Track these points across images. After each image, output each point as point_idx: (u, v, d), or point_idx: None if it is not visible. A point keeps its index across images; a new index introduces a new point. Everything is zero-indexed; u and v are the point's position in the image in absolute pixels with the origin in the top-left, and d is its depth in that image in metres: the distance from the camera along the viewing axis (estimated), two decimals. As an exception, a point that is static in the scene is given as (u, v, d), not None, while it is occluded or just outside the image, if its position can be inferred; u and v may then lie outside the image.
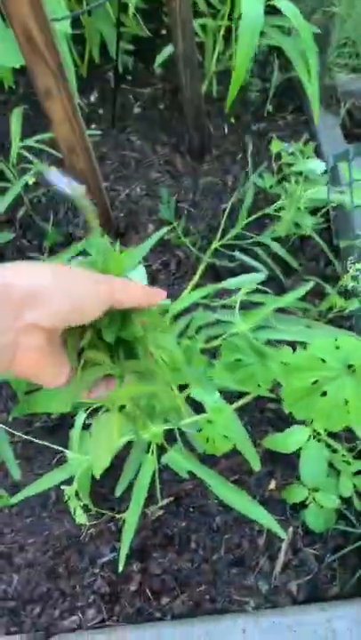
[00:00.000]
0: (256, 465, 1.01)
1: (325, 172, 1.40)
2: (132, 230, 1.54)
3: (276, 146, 1.42)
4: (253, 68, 1.78)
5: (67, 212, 1.56)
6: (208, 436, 0.83)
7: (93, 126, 1.75)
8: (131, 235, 1.52)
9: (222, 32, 1.62)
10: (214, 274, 1.46)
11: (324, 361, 0.66)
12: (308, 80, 1.27)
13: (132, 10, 1.63)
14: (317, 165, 1.38)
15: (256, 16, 1.22)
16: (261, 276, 1.12)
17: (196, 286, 1.33)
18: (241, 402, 1.08)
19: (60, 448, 0.86)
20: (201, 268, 1.38)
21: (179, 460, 0.98)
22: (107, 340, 0.47)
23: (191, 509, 1.20)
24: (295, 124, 1.72)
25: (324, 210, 1.43)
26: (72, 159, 1.24)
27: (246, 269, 1.38)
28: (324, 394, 0.66)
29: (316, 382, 0.66)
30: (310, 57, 1.27)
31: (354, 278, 0.88)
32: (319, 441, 1.03)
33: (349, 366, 0.65)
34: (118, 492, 1.11)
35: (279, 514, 1.20)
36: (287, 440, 1.01)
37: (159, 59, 1.65)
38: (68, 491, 0.86)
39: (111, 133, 1.73)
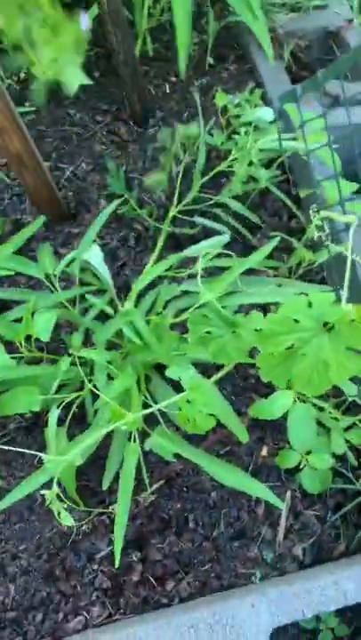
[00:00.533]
0: (244, 437, 0.97)
1: (275, 119, 1.33)
2: (84, 209, 1.45)
3: (221, 99, 1.34)
4: (188, 19, 1.68)
5: (11, 198, 1.47)
6: (189, 416, 0.78)
7: (27, 104, 1.64)
8: (83, 214, 1.44)
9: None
10: (176, 243, 1.39)
11: (297, 322, 0.60)
12: (254, 18, 1.17)
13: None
14: (266, 113, 1.31)
15: None
16: (224, 238, 1.06)
17: (159, 259, 1.26)
18: (220, 373, 1.03)
19: (33, 452, 0.80)
20: (161, 238, 1.31)
21: (163, 443, 0.93)
22: None
23: (184, 489, 1.16)
24: (239, 73, 1.63)
25: (279, 160, 1.36)
26: (5, 142, 1.14)
27: (209, 234, 1.32)
28: (302, 357, 0.60)
29: (291, 346, 0.61)
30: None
31: (319, 228, 0.82)
32: (304, 402, 0.98)
33: (325, 324, 0.60)
34: (105, 485, 1.06)
35: (275, 479, 1.16)
36: (272, 406, 0.96)
37: (85, 21, 1.53)
38: (49, 495, 0.81)
39: (47, 109, 1.63)
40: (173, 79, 1.65)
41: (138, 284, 1.09)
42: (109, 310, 1.08)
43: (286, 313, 0.61)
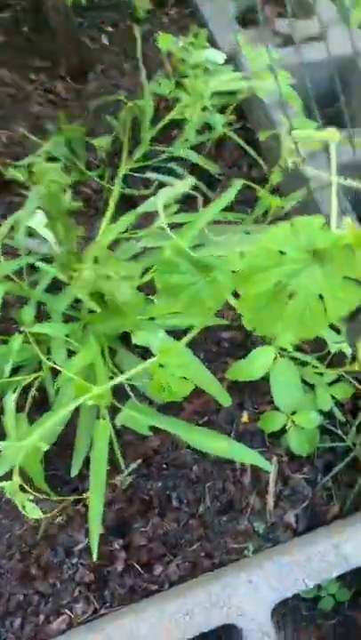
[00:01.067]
0: (226, 400, 0.89)
1: (227, 61, 1.22)
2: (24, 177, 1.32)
3: (164, 41, 1.22)
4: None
5: None
6: (162, 383, 0.68)
7: None
8: (19, 183, 1.31)
9: None
10: (131, 205, 1.28)
11: (283, 254, 0.51)
12: None
13: None
14: (216, 54, 1.20)
15: None
16: (184, 184, 0.95)
17: (113, 222, 1.15)
18: (193, 332, 0.93)
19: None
20: (113, 199, 1.20)
21: (136, 417, 0.84)
22: None
23: (164, 466, 1.07)
24: (180, 18, 1.51)
25: (232, 106, 1.26)
26: None
27: (157, 188, 1.22)
28: (292, 294, 0.51)
29: (278, 284, 0.51)
30: None
31: (291, 152, 0.72)
32: (284, 358, 0.90)
33: (315, 252, 0.51)
34: (74, 472, 0.96)
35: (259, 445, 1.09)
36: (252, 366, 0.88)
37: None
38: (8, 487, 0.70)
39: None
40: (110, 29, 1.52)
41: (94, 248, 0.98)
42: (62, 278, 0.96)
43: (268, 245, 0.51)
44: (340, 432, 1.03)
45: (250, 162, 1.30)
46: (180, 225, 1.11)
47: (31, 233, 1.04)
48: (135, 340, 0.80)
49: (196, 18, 1.49)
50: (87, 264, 0.89)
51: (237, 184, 0.92)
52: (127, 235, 1.11)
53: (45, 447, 0.80)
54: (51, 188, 0.82)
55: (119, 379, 0.74)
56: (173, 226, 1.13)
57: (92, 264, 0.88)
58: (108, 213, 1.16)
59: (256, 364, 0.88)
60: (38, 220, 0.98)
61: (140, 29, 1.43)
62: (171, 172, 1.23)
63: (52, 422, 0.74)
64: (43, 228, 0.97)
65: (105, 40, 1.50)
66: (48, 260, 1.07)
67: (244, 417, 1.11)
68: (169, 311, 0.73)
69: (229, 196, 0.91)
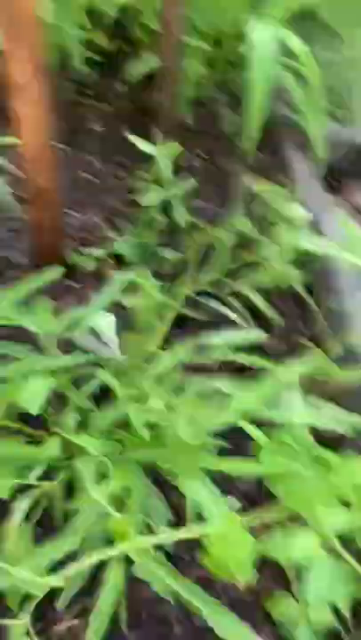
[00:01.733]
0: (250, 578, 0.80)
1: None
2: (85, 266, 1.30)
3: (260, 186, 1.27)
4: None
5: (9, 232, 1.30)
6: (220, 559, 0.61)
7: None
8: (82, 270, 1.28)
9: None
10: (183, 324, 1.25)
11: None
12: (314, 117, 1.15)
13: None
14: (303, 212, 1.24)
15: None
16: (257, 332, 0.93)
17: (165, 340, 1.12)
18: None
19: None
20: (170, 317, 1.17)
21: (157, 573, 0.74)
22: None
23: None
24: (268, 165, 1.58)
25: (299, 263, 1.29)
26: (34, 171, 1.00)
27: (214, 317, 1.21)
28: None
29: None
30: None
31: None
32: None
33: None
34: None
35: (247, 618, 0.98)
36: (288, 546, 0.80)
37: (134, 72, 1.45)
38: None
39: (66, 151, 1.50)
40: (204, 156, 1.58)
41: (156, 366, 0.93)
42: (116, 391, 0.90)
43: None
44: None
45: (301, 315, 1.31)
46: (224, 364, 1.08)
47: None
48: (185, 491, 0.73)
49: (285, 171, 1.56)
50: (149, 387, 0.84)
51: (314, 356, 0.90)
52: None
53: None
54: (148, 303, 0.79)
55: (162, 539, 0.66)
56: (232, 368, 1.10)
57: (156, 387, 0.83)
58: (162, 331, 1.13)
59: (295, 546, 0.81)
60: (107, 324, 0.94)
61: (236, 167, 1.49)
62: (230, 307, 1.23)
63: (80, 567, 0.65)
64: (111, 332, 0.93)
65: (195, 163, 1.55)
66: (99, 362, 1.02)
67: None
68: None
69: (307, 365, 0.88)
